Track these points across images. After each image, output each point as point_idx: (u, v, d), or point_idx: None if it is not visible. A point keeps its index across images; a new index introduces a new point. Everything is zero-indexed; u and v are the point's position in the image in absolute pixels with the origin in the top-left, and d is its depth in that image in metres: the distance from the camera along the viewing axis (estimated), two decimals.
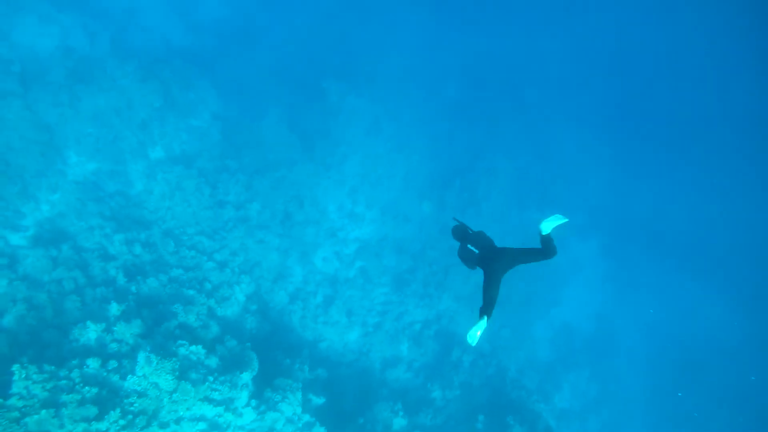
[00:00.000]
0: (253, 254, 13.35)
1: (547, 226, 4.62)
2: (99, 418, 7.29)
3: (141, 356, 8.09)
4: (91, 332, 8.41)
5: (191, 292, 10.61)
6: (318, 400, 11.44)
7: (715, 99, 35.44)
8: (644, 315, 23.37)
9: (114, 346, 8.44)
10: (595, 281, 23.00)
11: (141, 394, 7.91)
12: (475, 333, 4.57)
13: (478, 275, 15.98)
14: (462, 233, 5.36)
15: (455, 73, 24.27)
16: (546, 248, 4.69)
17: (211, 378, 8.64)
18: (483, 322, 4.54)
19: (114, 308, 8.99)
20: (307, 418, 10.21)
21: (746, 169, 32.89)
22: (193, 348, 8.80)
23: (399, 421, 12.25)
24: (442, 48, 24.54)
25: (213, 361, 9.03)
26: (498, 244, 5.24)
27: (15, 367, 7.19)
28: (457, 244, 5.45)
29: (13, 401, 6.94)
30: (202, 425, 8.43)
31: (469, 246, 5.17)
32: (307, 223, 15.57)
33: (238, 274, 12.28)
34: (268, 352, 11.40)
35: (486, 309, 4.64)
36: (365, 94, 18.95)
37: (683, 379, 22.19)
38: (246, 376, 9.26)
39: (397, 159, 18.69)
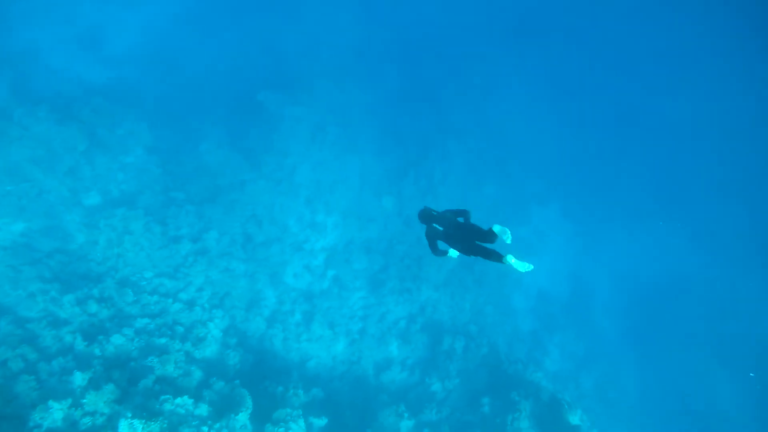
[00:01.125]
0: (220, 286, 12.61)
1: (497, 228, 5.07)
2: None
3: (122, 424, 7.34)
4: (55, 412, 7.51)
5: (163, 340, 9.81)
6: (320, 422, 11.00)
7: (648, 55, 37.36)
8: (612, 267, 24.43)
9: (87, 421, 7.60)
10: (561, 244, 23.77)
11: None
12: (523, 264, 4.95)
13: (450, 262, 15.94)
14: (428, 215, 5.69)
15: (391, 62, 24.14)
16: (486, 235, 5.15)
17: (205, 428, 8.00)
18: (511, 259, 4.91)
19: (78, 378, 8.12)
20: None
21: (690, 109, 35.08)
22: (178, 400, 8.11)
23: (406, 423, 12.02)
24: (373, 39, 24.27)
25: (203, 409, 8.38)
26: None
27: None
28: (424, 228, 5.76)
29: None
30: None
31: (434, 225, 5.53)
32: (269, 242, 14.95)
33: (209, 310, 11.55)
34: (257, 384, 10.80)
35: (496, 256, 5.05)
36: (304, 100, 18.42)
37: (658, 318, 23.49)
38: (242, 417, 8.68)
39: (349, 160, 18.36)
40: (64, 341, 9.32)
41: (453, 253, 5.54)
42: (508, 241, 4.98)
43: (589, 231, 25.47)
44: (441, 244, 5.65)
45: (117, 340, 9.46)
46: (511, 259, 4.90)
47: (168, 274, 11.69)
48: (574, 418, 11.82)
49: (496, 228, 5.04)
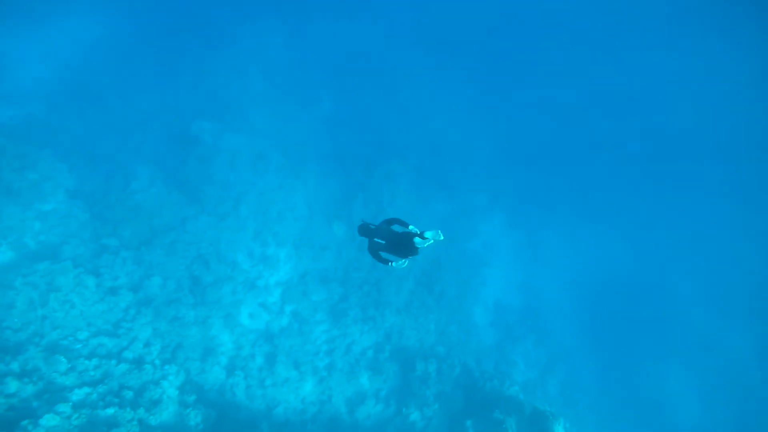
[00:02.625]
0: (170, 337, 11.24)
1: (429, 234, 5.23)
2: None
3: None
4: None
5: (110, 410, 8.40)
6: None
7: (578, 57, 39.99)
8: (559, 272, 25.43)
9: None
10: (508, 254, 24.39)
11: None
12: (433, 234, 5.19)
13: (406, 281, 15.57)
14: (366, 229, 5.94)
15: (324, 85, 23.88)
16: (417, 236, 5.33)
17: None
18: (423, 237, 5.18)
19: None
20: None
21: (620, 108, 37.92)
22: None
23: None
24: (305, 62, 23.91)
25: None
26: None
27: None
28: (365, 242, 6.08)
29: None
30: None
31: (376, 239, 5.76)
32: (219, 282, 13.74)
33: (161, 366, 10.17)
34: None
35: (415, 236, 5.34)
36: (242, 128, 17.53)
37: (607, 316, 24.72)
38: None
39: (294, 186, 17.62)
40: None
41: (398, 263, 5.76)
42: (442, 238, 5.19)
43: (533, 240, 26.48)
44: (385, 255, 5.84)
45: (49, 421, 7.91)
46: (420, 241, 5.23)
47: (107, 332, 10.18)
48: (559, 428, 11.77)
49: (428, 234, 5.22)
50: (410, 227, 5.47)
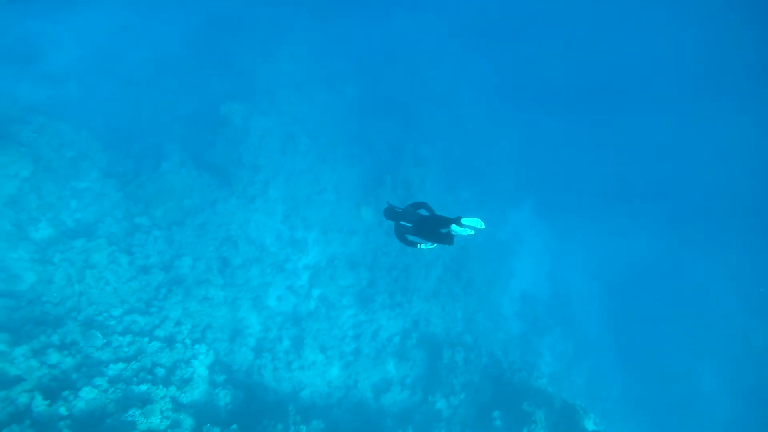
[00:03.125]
0: (200, 317, 11.31)
1: (467, 221, 4.97)
2: None
3: None
4: None
5: (143, 387, 8.47)
6: None
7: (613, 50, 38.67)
8: (586, 263, 24.72)
9: None
10: (537, 244, 23.82)
11: None
12: (472, 221, 4.93)
13: (434, 267, 15.23)
14: (393, 213, 5.90)
15: (350, 68, 23.48)
16: (454, 223, 5.06)
17: None
18: (458, 225, 4.94)
19: None
20: None
21: (652, 109, 36.67)
22: None
23: None
24: (332, 44, 23.55)
25: None
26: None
27: None
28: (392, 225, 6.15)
29: None
30: None
31: (402, 222, 5.68)
32: (248, 264, 13.75)
33: (192, 346, 10.24)
34: (255, 425, 9.63)
35: (450, 238, 5.20)
36: (270, 110, 17.38)
37: (632, 308, 23.95)
38: None
39: (323, 171, 17.43)
40: (18, 403, 7.78)
41: (425, 245, 5.65)
42: (482, 227, 4.95)
43: (561, 229, 25.77)
44: (412, 238, 5.75)
45: (88, 393, 8.03)
46: (457, 228, 4.97)
47: (140, 310, 10.29)
48: (590, 423, 11.39)
49: (468, 221, 4.96)
50: (442, 214, 5.37)
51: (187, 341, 10.28)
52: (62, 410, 7.71)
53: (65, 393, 8.00)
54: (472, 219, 4.95)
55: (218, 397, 9.72)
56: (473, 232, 5.02)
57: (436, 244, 5.53)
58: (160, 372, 9.07)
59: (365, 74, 23.89)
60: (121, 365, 8.78)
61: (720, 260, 27.64)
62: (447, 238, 5.27)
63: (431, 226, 5.37)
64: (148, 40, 17.86)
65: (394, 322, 15.28)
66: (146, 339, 9.57)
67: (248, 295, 13.17)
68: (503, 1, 36.21)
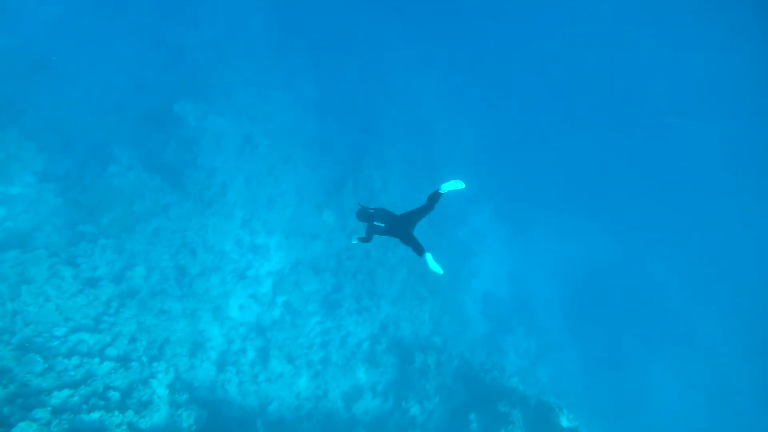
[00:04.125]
0: (156, 331, 10.38)
1: (446, 187, 4.95)
2: None
3: None
4: None
5: (95, 415, 7.55)
6: None
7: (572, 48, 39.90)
8: (544, 263, 25.42)
9: None
10: (497, 244, 24.21)
11: None
12: (436, 266, 4.94)
13: (399, 271, 14.97)
14: (365, 214, 5.80)
15: (309, 69, 22.88)
16: (429, 204, 5.16)
17: None
18: (429, 257, 4.96)
19: None
20: None
21: (610, 108, 38.24)
22: None
23: None
24: (291, 43, 22.83)
25: None
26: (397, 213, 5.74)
27: None
28: (365, 227, 5.84)
29: None
30: None
31: (375, 223, 5.63)
32: (207, 272, 12.89)
33: (149, 364, 9.34)
34: None
35: (420, 249, 5.13)
36: (227, 110, 16.49)
37: (590, 307, 24.89)
38: None
39: (284, 173, 16.76)
40: None
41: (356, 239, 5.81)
42: (462, 186, 4.91)
43: (520, 230, 26.39)
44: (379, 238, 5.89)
45: (25, 429, 7.01)
46: (429, 258, 4.97)
47: (88, 327, 9.25)
48: (564, 420, 11.52)
49: (444, 187, 4.93)
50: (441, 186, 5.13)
51: (144, 359, 9.37)
52: None
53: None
54: (450, 182, 4.91)
55: (181, 419, 8.90)
56: (441, 271, 4.95)
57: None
58: (114, 396, 8.14)
59: (325, 74, 23.37)
60: (66, 392, 7.78)
61: (675, 260, 29.41)
62: (415, 246, 5.22)
63: (404, 223, 5.38)
64: (90, 31, 16.41)
65: (362, 327, 14.87)
66: (96, 360, 8.59)
67: (208, 306, 12.31)
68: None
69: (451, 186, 4.90)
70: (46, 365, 8.07)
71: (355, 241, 5.86)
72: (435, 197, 5.09)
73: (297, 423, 11.91)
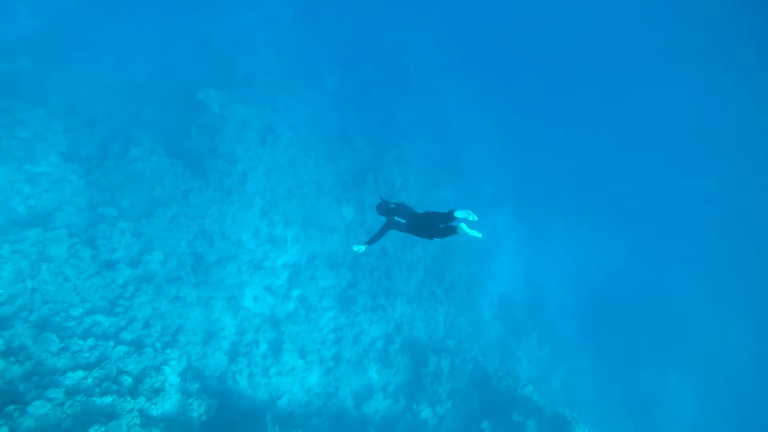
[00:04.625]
0: (171, 318, 10.29)
1: (460, 213, 4.95)
2: None
3: None
4: None
5: (107, 399, 7.45)
6: None
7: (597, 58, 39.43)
8: (561, 268, 24.89)
9: None
10: (514, 247, 23.77)
11: None
12: (474, 232, 4.84)
13: (416, 269, 14.67)
14: (387, 208, 5.66)
15: (332, 60, 22.65)
16: (447, 218, 5.06)
17: None
18: (464, 227, 4.79)
19: None
20: None
21: (630, 126, 37.78)
22: None
23: None
24: (315, 34, 22.61)
25: None
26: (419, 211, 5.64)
27: None
28: (384, 220, 5.73)
29: None
30: None
31: (396, 218, 5.51)
32: (223, 261, 12.79)
33: (162, 350, 9.24)
34: None
35: (449, 230, 4.97)
36: (250, 99, 16.35)
37: (604, 316, 24.29)
38: None
39: (305, 165, 16.59)
40: None
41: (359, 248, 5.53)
42: (475, 218, 4.90)
43: (537, 232, 25.87)
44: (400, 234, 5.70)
45: (39, 408, 6.94)
46: (464, 228, 4.82)
47: (104, 310, 9.19)
48: None
49: (459, 213, 4.95)
50: (446, 210, 5.15)
51: (157, 345, 9.27)
52: (4, 430, 6.61)
53: (9, 408, 6.87)
54: (463, 211, 4.93)
55: (191, 408, 8.78)
56: (480, 235, 4.91)
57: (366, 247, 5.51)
58: (127, 381, 8.05)
59: (347, 67, 23.14)
60: (80, 373, 7.71)
61: (693, 270, 28.60)
62: (444, 232, 5.09)
63: (425, 222, 5.27)
64: (118, 16, 16.45)
65: (377, 326, 14.66)
66: (111, 343, 8.51)
67: (223, 295, 12.20)
68: (491, 4, 36.39)
69: (464, 213, 4.92)
70: (62, 345, 8.01)
71: (362, 249, 5.51)
72: (450, 218, 5.04)
73: (306, 419, 11.74)
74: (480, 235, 4.92)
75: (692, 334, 25.50)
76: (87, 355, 8.12)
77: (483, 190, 23.40)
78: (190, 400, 8.86)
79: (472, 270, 19.28)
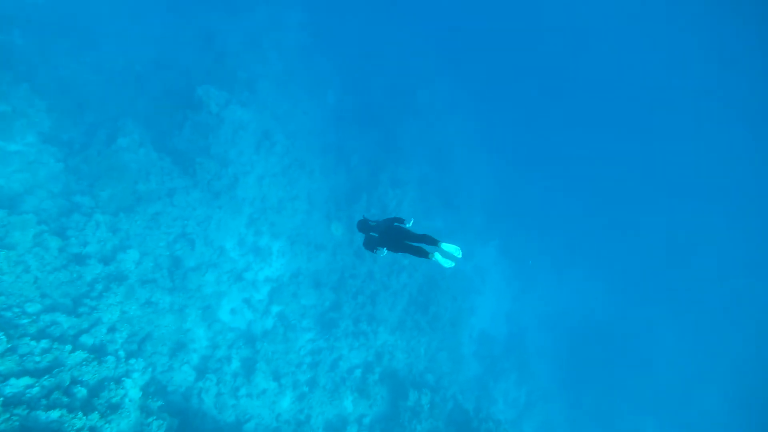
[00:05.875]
0: (139, 324, 9.36)
1: (446, 246, 5.15)
2: None
3: None
4: None
5: (54, 414, 6.48)
6: None
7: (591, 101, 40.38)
8: (542, 309, 24.54)
9: None
10: (499, 283, 23.35)
11: None
12: (448, 262, 5.11)
13: (401, 296, 13.97)
14: (365, 225, 5.94)
15: (335, 73, 22.32)
16: (422, 239, 5.33)
17: None
18: (438, 257, 5.04)
19: None
20: None
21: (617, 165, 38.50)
22: None
23: None
24: (321, 45, 22.29)
25: None
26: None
27: None
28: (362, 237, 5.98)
29: None
30: None
31: (372, 234, 5.75)
32: (203, 267, 11.93)
33: (125, 360, 8.28)
34: None
35: (423, 252, 5.14)
36: (250, 102, 15.78)
37: (583, 360, 23.88)
38: None
39: (299, 176, 15.97)
40: None
41: (381, 252, 5.60)
42: (459, 256, 5.13)
43: (523, 271, 25.57)
44: (376, 248, 5.69)
45: None
46: (438, 257, 5.06)
47: (65, 308, 8.23)
48: None
49: (445, 246, 5.14)
50: (408, 224, 5.56)
51: (121, 353, 8.32)
52: None
53: None
54: (451, 246, 5.08)
55: (150, 429, 7.80)
56: (453, 264, 5.11)
57: (387, 252, 5.57)
58: (81, 393, 7.08)
59: (350, 82, 22.84)
60: (26, 380, 6.72)
61: (674, 319, 28.65)
62: (414, 250, 5.23)
63: (396, 236, 5.44)
64: (125, 3, 15.82)
65: (357, 353, 13.85)
66: (68, 347, 7.54)
67: (198, 304, 11.32)
68: (496, 39, 37.18)
69: (450, 249, 5.09)
70: (9, 345, 7.02)
71: (383, 252, 5.56)
72: (433, 244, 5.20)
73: None
74: (453, 264, 5.13)
75: (671, 382, 25.27)
76: (38, 359, 7.14)
77: (473, 222, 23.05)
78: (150, 420, 7.89)
79: (457, 304, 18.68)
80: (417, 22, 31.04)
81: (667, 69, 40.20)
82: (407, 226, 5.65)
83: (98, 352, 7.95)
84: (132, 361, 8.37)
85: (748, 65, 35.90)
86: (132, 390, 7.88)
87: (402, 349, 14.99)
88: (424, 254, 5.12)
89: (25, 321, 7.56)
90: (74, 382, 7.16)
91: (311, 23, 22.27)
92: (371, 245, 5.70)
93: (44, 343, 7.33)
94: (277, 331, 12.72)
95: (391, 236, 5.49)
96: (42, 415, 6.31)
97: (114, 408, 7.18)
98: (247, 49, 17.90)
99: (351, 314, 14.52)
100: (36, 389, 6.67)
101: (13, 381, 6.56)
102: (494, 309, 22.70)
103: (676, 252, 34.37)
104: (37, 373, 6.90)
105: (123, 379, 7.82)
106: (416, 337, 15.87)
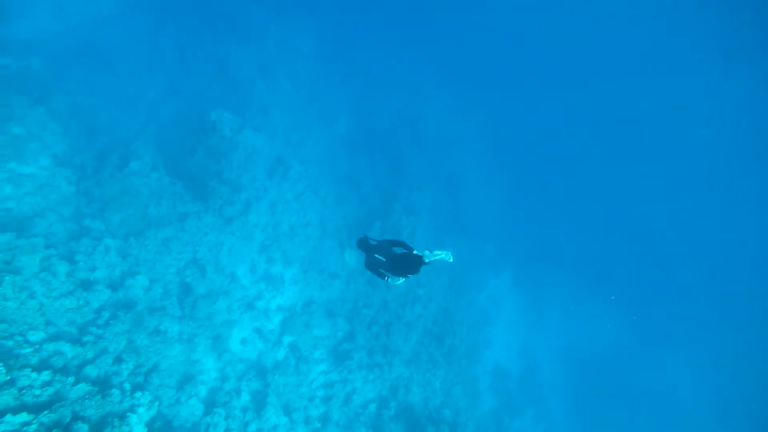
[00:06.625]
0: (147, 354, 8.84)
1: (439, 253, 4.96)
2: None
3: None
4: None
5: None
6: None
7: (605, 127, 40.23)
8: (556, 341, 23.73)
9: None
10: (512, 314, 22.63)
11: None
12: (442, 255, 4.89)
13: (415, 327, 13.36)
14: (367, 245, 5.76)
15: (346, 101, 22.38)
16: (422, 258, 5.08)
17: None
18: (427, 254, 4.87)
19: None
20: None
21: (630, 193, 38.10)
22: None
23: None
24: (333, 73, 22.48)
25: None
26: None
27: None
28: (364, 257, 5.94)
29: None
30: None
31: (376, 255, 5.52)
32: (213, 295, 11.47)
33: (131, 393, 7.73)
34: None
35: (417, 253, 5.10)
36: (263, 128, 15.68)
37: (597, 395, 22.87)
38: None
39: (312, 202, 15.65)
40: None
41: (395, 280, 5.53)
42: (450, 260, 4.97)
43: (536, 303, 24.85)
44: (383, 271, 5.52)
45: None
46: (426, 253, 4.92)
47: (70, 337, 7.76)
48: None
49: (439, 252, 4.94)
50: (416, 251, 5.22)
51: (126, 386, 7.78)
52: None
53: None
54: (442, 252, 4.95)
55: None
56: (440, 258, 4.92)
57: (403, 279, 5.49)
58: (82, 430, 6.52)
59: (360, 112, 22.87)
60: (23, 417, 6.19)
61: (687, 357, 27.55)
62: (415, 269, 5.13)
63: (404, 264, 5.22)
64: (134, 28, 16.00)
65: (371, 386, 13.14)
66: (71, 379, 7.04)
67: (208, 333, 10.80)
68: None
69: (441, 256, 4.91)
70: (8, 378, 6.53)
71: (399, 281, 5.51)
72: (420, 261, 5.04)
73: None
74: (444, 254, 4.89)
75: (686, 419, 24.01)
76: (38, 392, 6.62)
77: (485, 251, 22.55)
78: None
79: (472, 336, 17.97)
80: (426, 50, 31.44)
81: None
82: (416, 252, 5.34)
83: (102, 385, 7.42)
84: (138, 394, 7.82)
85: (748, 65, 35.54)
86: (137, 426, 7.30)
87: (418, 382, 14.26)
88: (421, 261, 5.03)
89: (27, 350, 7.08)
90: (75, 418, 6.62)
91: (322, 52, 22.54)
92: (375, 267, 5.54)
93: (45, 375, 6.83)
94: (288, 362, 12.11)
95: (399, 264, 5.28)
96: None
97: None
98: (261, 76, 17.99)
99: (365, 345, 13.89)
100: (33, 426, 6.14)
101: (8, 418, 6.03)
102: (508, 341, 21.91)
103: (693, 287, 33.48)
104: (35, 409, 6.38)
105: (128, 414, 7.26)
106: (432, 370, 15.15)
